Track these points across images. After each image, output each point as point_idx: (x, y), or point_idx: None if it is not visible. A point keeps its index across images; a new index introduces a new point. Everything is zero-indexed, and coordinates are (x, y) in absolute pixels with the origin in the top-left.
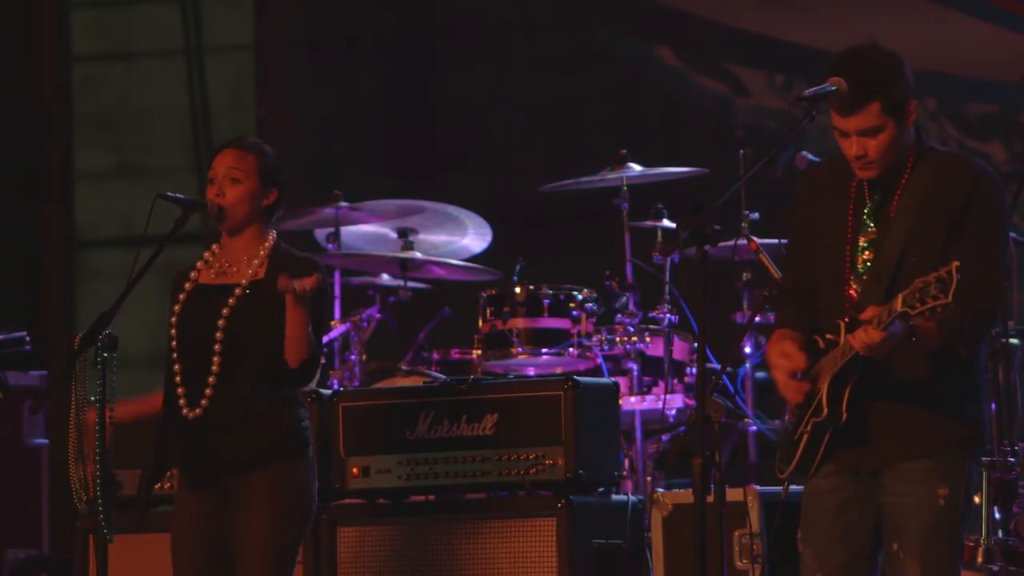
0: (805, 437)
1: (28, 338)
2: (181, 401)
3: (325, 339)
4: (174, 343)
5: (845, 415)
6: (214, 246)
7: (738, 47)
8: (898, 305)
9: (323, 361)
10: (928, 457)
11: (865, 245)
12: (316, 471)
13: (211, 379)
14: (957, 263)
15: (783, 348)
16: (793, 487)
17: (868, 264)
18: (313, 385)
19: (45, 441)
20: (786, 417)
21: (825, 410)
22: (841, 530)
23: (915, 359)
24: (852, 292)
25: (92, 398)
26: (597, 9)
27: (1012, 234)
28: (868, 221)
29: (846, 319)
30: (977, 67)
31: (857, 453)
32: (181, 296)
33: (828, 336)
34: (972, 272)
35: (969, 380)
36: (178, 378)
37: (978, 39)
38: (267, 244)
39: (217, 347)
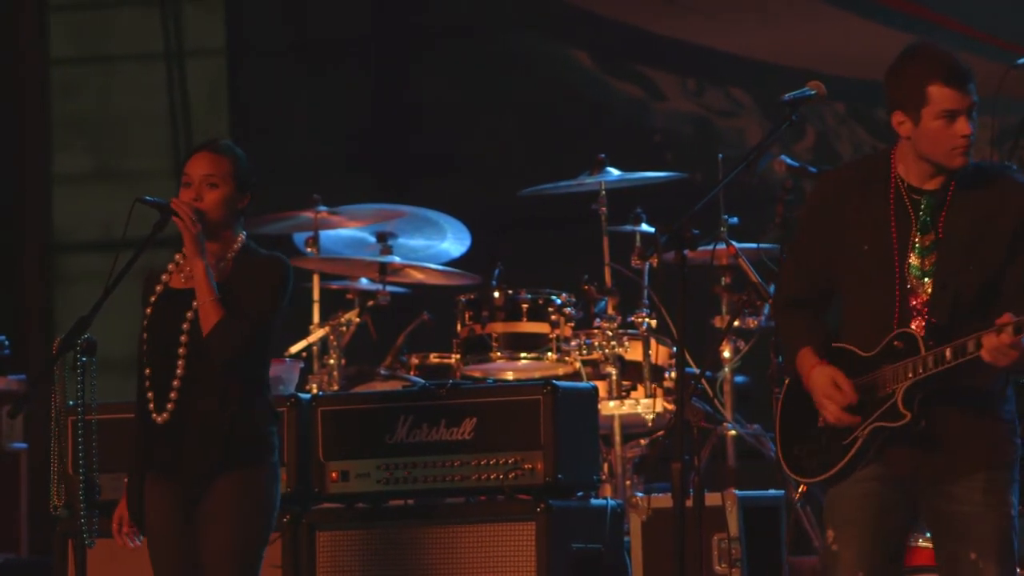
0: (859, 442)
1: (6, 342)
2: (150, 406)
3: (303, 343)
4: (144, 348)
5: (924, 421)
6: (185, 249)
7: (652, 51)
8: None
9: (247, 341)
10: (1002, 469)
11: (927, 248)
12: (280, 478)
13: (176, 383)
14: None
15: (834, 377)
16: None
17: (931, 270)
18: (223, 357)
19: (24, 445)
20: (776, 424)
21: (907, 415)
22: (885, 532)
23: (984, 368)
24: (914, 300)
25: (71, 402)
26: (580, 15)
27: None
28: (927, 225)
29: (920, 326)
30: (880, 71)
31: (919, 458)
32: (152, 299)
33: (896, 343)
34: None
35: (1007, 385)
36: (147, 383)
37: (879, 43)
38: (235, 246)
39: (181, 350)
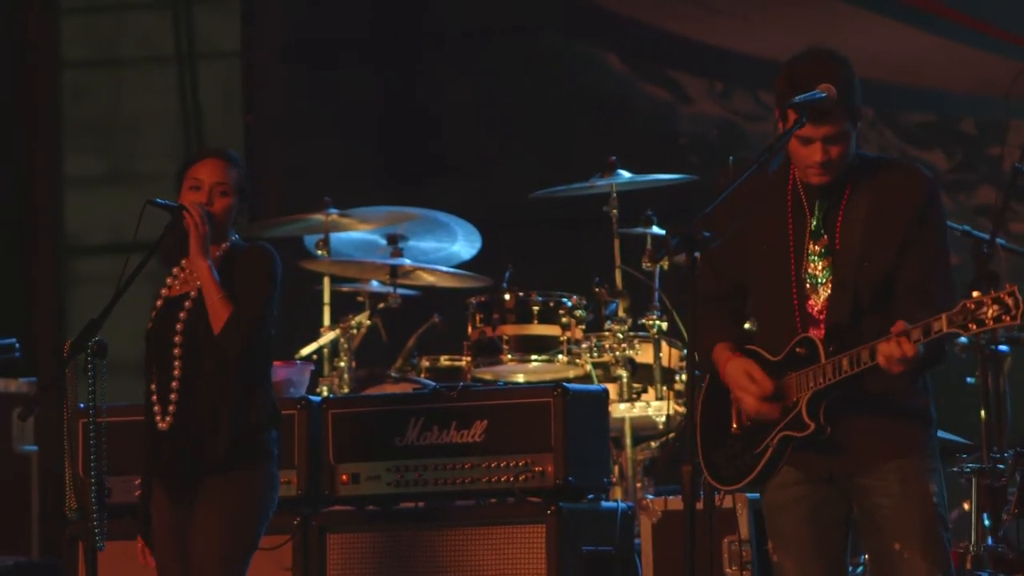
0: (770, 451)
1: (17, 345)
2: (157, 417)
3: (313, 346)
4: (147, 358)
5: (829, 429)
6: (183, 260)
7: (679, 54)
8: (944, 326)
9: (258, 332)
10: (911, 457)
11: (820, 254)
12: (277, 483)
13: (174, 384)
14: (1015, 286)
15: (747, 370)
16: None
17: (827, 274)
18: (238, 352)
19: (35, 448)
20: (690, 422)
21: (811, 425)
22: (818, 536)
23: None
24: (813, 304)
25: (82, 404)
26: (587, 17)
27: (1001, 241)
28: (820, 230)
29: (820, 333)
30: (913, 75)
31: (828, 460)
32: (153, 313)
33: (799, 350)
34: (937, 277)
35: (928, 383)
36: (154, 396)
37: (913, 47)
38: (224, 246)
39: (176, 351)
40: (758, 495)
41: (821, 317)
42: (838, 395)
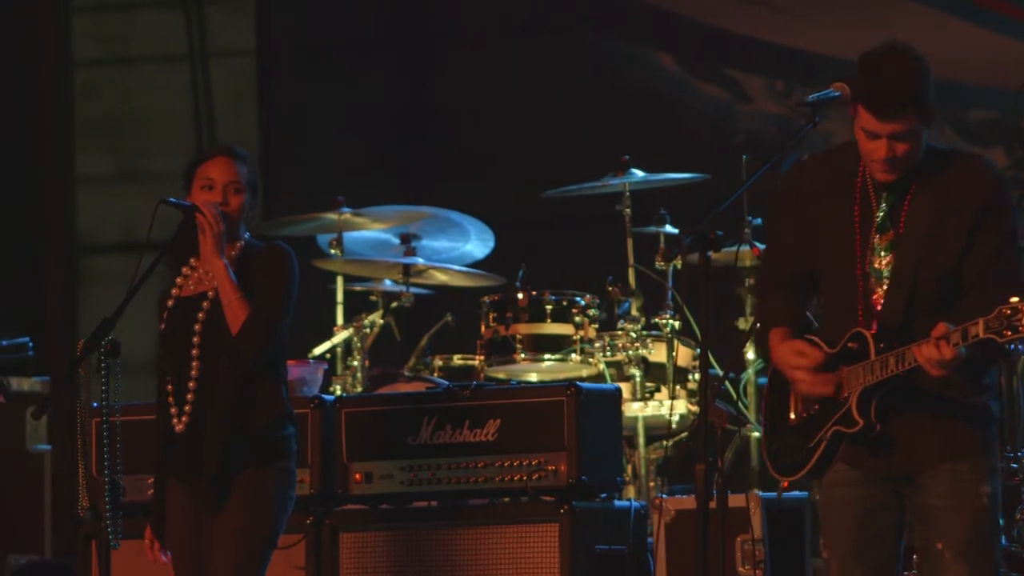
0: (823, 445)
1: (30, 344)
2: (174, 420)
3: (326, 345)
4: (161, 362)
5: (879, 426)
6: (192, 259)
7: (738, 53)
8: (980, 331)
9: (273, 332)
10: (966, 458)
11: (885, 248)
12: (293, 481)
13: (191, 384)
14: None
15: (795, 347)
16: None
17: (890, 269)
18: (254, 353)
19: (47, 447)
20: (762, 418)
21: (860, 422)
22: (868, 538)
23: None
24: (877, 298)
25: (95, 404)
26: (597, 14)
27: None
28: (886, 224)
29: (872, 329)
30: (975, 73)
31: (885, 458)
32: (164, 315)
33: (851, 345)
34: (1000, 277)
35: (990, 380)
36: (170, 398)
37: (976, 45)
38: (239, 245)
39: (195, 351)
40: (772, 495)
41: (878, 314)
42: (892, 392)
